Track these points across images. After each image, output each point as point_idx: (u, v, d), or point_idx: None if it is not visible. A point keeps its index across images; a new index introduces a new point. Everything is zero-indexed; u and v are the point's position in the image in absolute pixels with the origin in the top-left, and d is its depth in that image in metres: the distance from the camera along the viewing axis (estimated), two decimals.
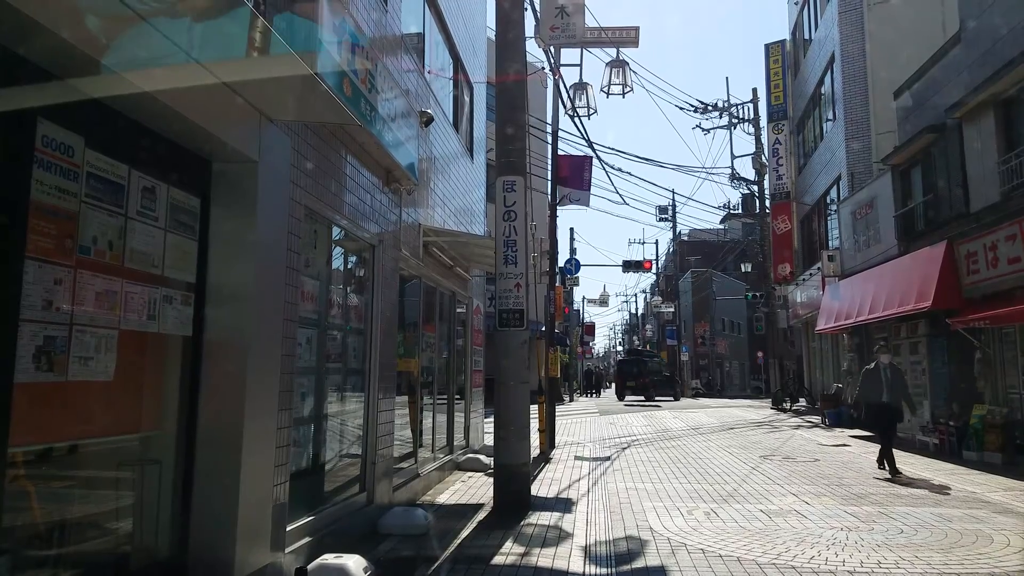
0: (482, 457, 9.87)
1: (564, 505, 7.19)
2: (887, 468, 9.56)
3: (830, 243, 20.30)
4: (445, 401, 9.90)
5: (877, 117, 17.47)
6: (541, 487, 8.21)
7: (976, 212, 11.17)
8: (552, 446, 11.86)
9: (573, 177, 12.74)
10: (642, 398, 30.35)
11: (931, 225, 12.97)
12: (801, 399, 23.94)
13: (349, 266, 6.50)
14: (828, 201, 20.57)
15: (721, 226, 67.90)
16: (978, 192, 11.19)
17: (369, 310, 6.36)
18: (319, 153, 5.16)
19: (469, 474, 9.31)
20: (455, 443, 10.06)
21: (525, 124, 8.06)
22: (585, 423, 17.02)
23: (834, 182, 19.41)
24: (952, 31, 12.91)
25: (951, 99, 11.77)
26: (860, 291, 15.27)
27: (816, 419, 18.65)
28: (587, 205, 13.78)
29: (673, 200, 50.16)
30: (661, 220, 49.07)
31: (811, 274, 21.11)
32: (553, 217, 12.98)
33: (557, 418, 18.13)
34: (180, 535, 3.73)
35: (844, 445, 13.07)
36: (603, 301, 47.90)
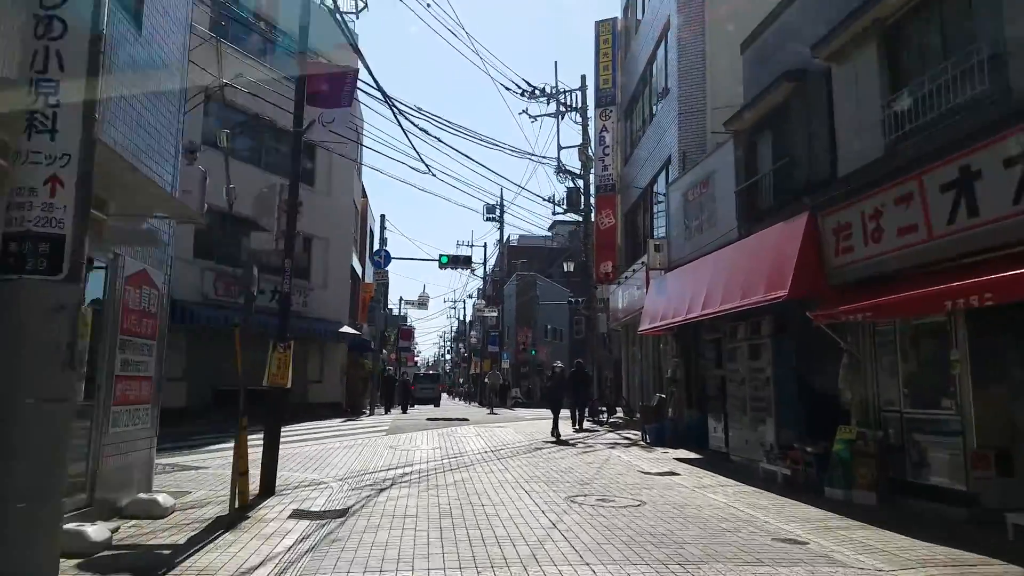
0: (157, 500, 5.70)
1: None
2: None
3: (655, 234, 18.02)
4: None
5: (715, 87, 15.23)
6: None
7: (849, 175, 8.67)
8: (269, 492, 7.86)
9: (332, 94, 8.88)
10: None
11: (784, 197, 10.52)
12: (618, 410, 21.61)
13: None
14: (655, 192, 18.26)
15: (549, 233, 67.18)
16: (851, 149, 8.70)
17: None
18: None
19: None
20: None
21: None
22: (356, 448, 13.08)
23: (663, 166, 17.06)
24: None
25: (816, 37, 9.27)
26: (691, 284, 12.71)
27: (635, 434, 16.08)
28: (349, 125, 9.91)
29: (501, 200, 47.57)
30: (488, 220, 46.37)
31: (634, 270, 18.72)
32: (297, 152, 8.91)
33: (325, 441, 14.07)
34: None
35: (671, 473, 10.24)
36: (422, 303, 44.26)
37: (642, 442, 14.42)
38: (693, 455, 12.50)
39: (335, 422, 19.82)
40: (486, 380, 28.44)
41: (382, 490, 8.35)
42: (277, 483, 8.38)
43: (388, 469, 10.08)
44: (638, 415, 19.72)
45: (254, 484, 7.97)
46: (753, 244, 10.74)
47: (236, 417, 8.44)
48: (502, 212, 43.46)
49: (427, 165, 14.44)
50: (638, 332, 15.81)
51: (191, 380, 19.46)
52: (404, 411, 27.58)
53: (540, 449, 13.03)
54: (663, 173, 16.96)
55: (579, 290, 46.20)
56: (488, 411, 25.87)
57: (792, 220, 9.52)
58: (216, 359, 20.71)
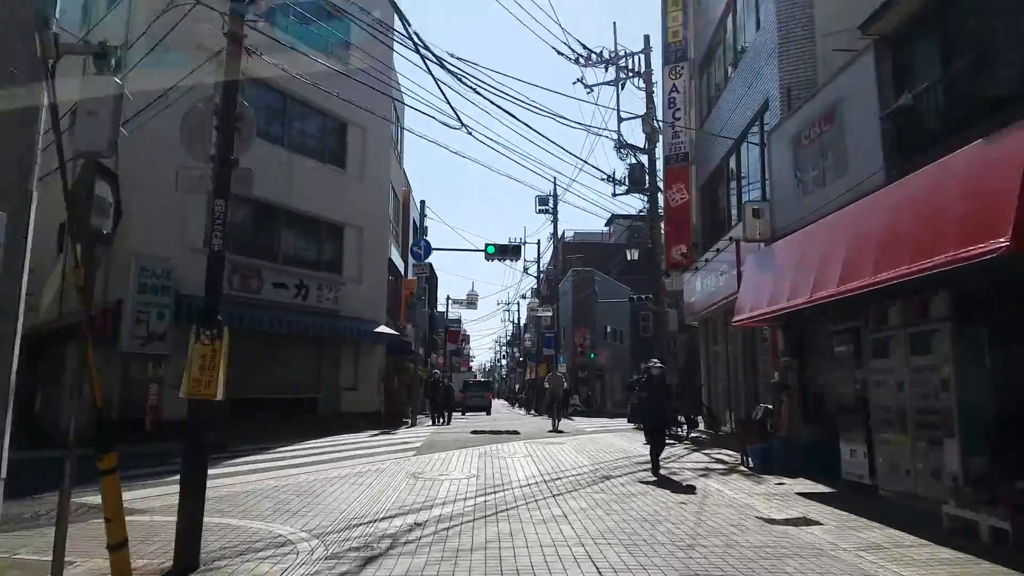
0: None
1: None
2: None
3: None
4: None
5: (825, 4, 11.82)
6: None
7: None
8: (190, 566, 4.95)
9: None
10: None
11: (967, 112, 7.14)
12: (699, 421, 18.19)
13: None
14: (746, 143, 14.90)
15: (606, 228, 63.69)
16: None
17: None
18: None
19: None
20: None
21: None
22: (367, 476, 10.17)
23: (756, 115, 13.69)
24: None
25: None
26: (811, 254, 9.38)
27: (729, 455, 12.75)
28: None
29: (554, 190, 44.47)
30: (541, 212, 43.21)
31: (718, 250, 15.34)
32: (236, 44, 5.95)
33: (332, 465, 11.01)
34: None
35: (807, 521, 6.97)
36: (471, 302, 41.47)
37: (743, 467, 11.09)
38: (819, 487, 9.14)
39: (363, 436, 17.05)
40: (546, 385, 23.15)
41: (371, 559, 5.35)
42: (220, 544, 5.52)
43: (396, 514, 7.09)
44: (726, 429, 16.35)
45: (165, 556, 5.11)
46: (918, 185, 7.37)
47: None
48: (555, 204, 40.26)
49: (461, 120, 11.47)
50: (732, 323, 12.45)
51: None
52: (447, 421, 24.52)
53: (610, 478, 9.85)
54: (757, 123, 13.62)
55: (641, 287, 42.63)
56: (549, 427, 20.44)
57: (996, 138, 6.16)
58: (234, 364, 18.16)
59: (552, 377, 21.72)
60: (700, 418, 17.52)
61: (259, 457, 12.04)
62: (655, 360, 11.16)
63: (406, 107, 24.59)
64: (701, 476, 10.21)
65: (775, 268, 10.57)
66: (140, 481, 9.21)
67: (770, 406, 11.25)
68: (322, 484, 8.89)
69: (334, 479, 9.34)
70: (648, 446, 10.42)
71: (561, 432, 18.71)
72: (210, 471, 10.17)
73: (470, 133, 13.04)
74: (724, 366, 16.50)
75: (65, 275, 19.56)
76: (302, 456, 12.32)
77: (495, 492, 8.42)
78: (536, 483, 9.22)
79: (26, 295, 5.15)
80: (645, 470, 10.72)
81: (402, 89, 15.25)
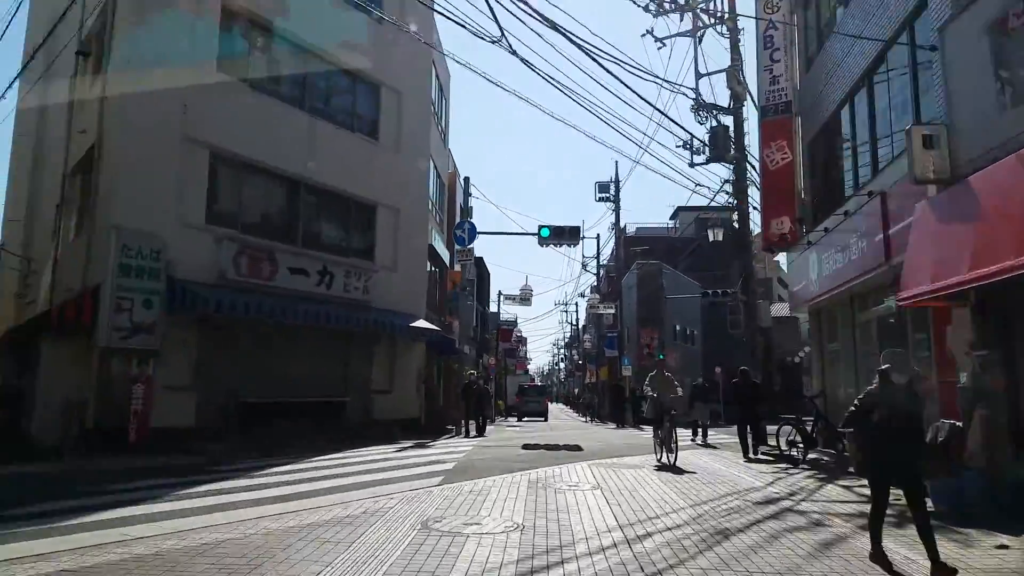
0: None
1: None
2: None
3: (867, 169, 10.97)
4: None
5: None
6: None
7: None
8: None
9: None
10: None
11: None
12: (817, 439, 14.26)
13: None
14: (884, 69, 11.24)
15: (670, 223, 59.56)
16: None
17: None
18: None
19: None
20: None
21: None
22: (359, 525, 7.01)
23: (903, 25, 10.04)
24: None
25: None
26: None
27: (862, 485, 9.10)
28: None
29: (616, 176, 40.85)
30: (601, 200, 39.60)
31: (846, 213, 11.66)
32: None
33: (318, 502, 7.65)
34: None
35: None
36: (524, 298, 38.17)
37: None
38: None
39: (389, 450, 14.00)
40: (647, 390, 13.02)
41: None
42: None
43: None
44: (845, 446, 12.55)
45: None
46: None
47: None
48: (617, 190, 36.56)
49: (501, 28, 8.31)
50: (897, 300, 8.82)
51: (202, 390, 14.24)
52: (481, 432, 20.69)
53: (727, 534, 6.40)
54: (905, 32, 9.97)
55: (710, 283, 38.60)
56: (657, 455, 12.22)
57: None
58: (239, 361, 15.44)
59: (659, 378, 12.74)
60: (815, 434, 13.69)
61: (238, 483, 9.08)
62: (896, 351, 5.09)
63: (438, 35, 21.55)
64: (859, 529, 6.67)
65: (975, 216, 6.98)
66: (63, 519, 6.27)
67: (958, 423, 7.62)
68: (279, 541, 5.76)
69: (303, 530, 6.19)
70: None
71: (682, 471, 10.86)
72: (148, 508, 7.22)
73: (513, 53, 9.83)
74: (850, 367, 12.78)
75: (57, 260, 17.26)
76: (295, 481, 9.31)
77: (547, 568, 5.13)
78: (614, 544, 5.87)
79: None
80: (773, 516, 7.26)
81: None
